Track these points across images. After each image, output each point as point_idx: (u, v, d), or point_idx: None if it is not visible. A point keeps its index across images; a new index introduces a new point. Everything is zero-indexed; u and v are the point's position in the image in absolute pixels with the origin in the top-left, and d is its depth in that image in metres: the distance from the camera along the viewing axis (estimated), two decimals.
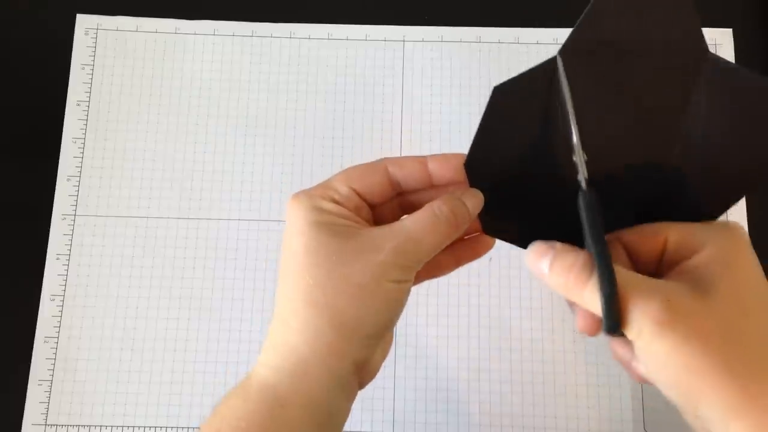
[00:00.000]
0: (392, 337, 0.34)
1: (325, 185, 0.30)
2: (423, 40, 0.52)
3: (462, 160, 0.30)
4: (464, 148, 0.30)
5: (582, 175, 0.29)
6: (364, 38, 0.52)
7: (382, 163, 0.31)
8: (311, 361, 0.28)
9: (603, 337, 0.29)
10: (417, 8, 0.52)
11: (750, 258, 0.28)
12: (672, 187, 0.31)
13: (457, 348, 0.46)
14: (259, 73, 0.51)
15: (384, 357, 0.32)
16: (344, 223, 0.29)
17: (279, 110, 0.50)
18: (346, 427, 0.30)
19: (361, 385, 0.31)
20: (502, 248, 0.34)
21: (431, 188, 0.32)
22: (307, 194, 0.30)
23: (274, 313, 0.30)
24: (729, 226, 0.29)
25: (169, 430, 0.44)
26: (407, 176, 0.31)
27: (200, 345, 0.46)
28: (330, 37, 0.52)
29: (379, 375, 0.32)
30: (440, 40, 0.52)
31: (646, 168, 0.31)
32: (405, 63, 0.51)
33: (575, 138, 0.29)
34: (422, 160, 0.31)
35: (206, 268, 0.47)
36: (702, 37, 0.29)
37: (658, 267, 0.30)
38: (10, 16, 0.52)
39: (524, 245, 0.31)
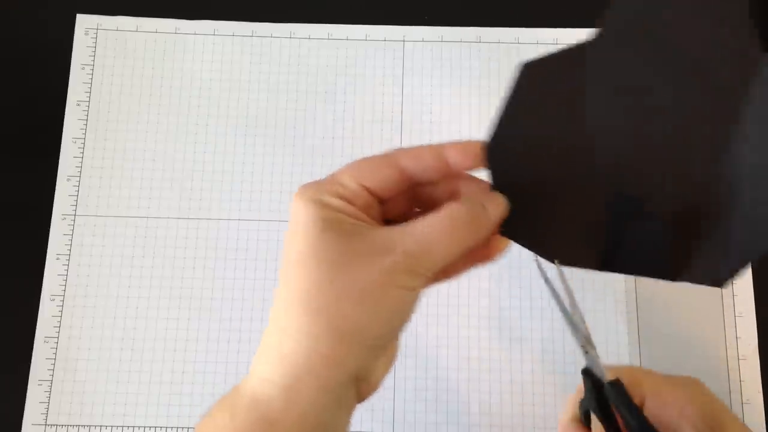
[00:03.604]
0: (397, 349, 0.31)
1: (333, 180, 0.28)
2: (423, 40, 0.52)
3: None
4: None
5: (600, 372, 0.28)
6: (364, 38, 0.52)
7: (394, 156, 0.28)
8: (305, 374, 0.26)
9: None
10: (417, 8, 0.52)
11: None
12: (713, 203, 0.27)
13: (457, 348, 0.46)
14: (259, 73, 0.51)
15: (387, 370, 0.30)
16: (352, 222, 0.27)
17: (279, 110, 0.50)
18: None
19: (361, 398, 0.29)
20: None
21: (445, 179, 0.29)
22: (314, 188, 0.27)
23: (270, 315, 0.27)
24: None
25: (169, 430, 0.44)
26: (424, 170, 0.28)
27: (200, 345, 0.46)
28: (330, 37, 0.52)
29: None
30: (440, 40, 0.52)
31: (685, 178, 0.27)
32: (405, 63, 0.51)
33: (583, 337, 0.28)
34: (439, 150, 0.28)
35: (206, 268, 0.47)
36: (755, 35, 0.25)
37: None
38: (10, 16, 0.52)
39: (547, 255, 0.28)
